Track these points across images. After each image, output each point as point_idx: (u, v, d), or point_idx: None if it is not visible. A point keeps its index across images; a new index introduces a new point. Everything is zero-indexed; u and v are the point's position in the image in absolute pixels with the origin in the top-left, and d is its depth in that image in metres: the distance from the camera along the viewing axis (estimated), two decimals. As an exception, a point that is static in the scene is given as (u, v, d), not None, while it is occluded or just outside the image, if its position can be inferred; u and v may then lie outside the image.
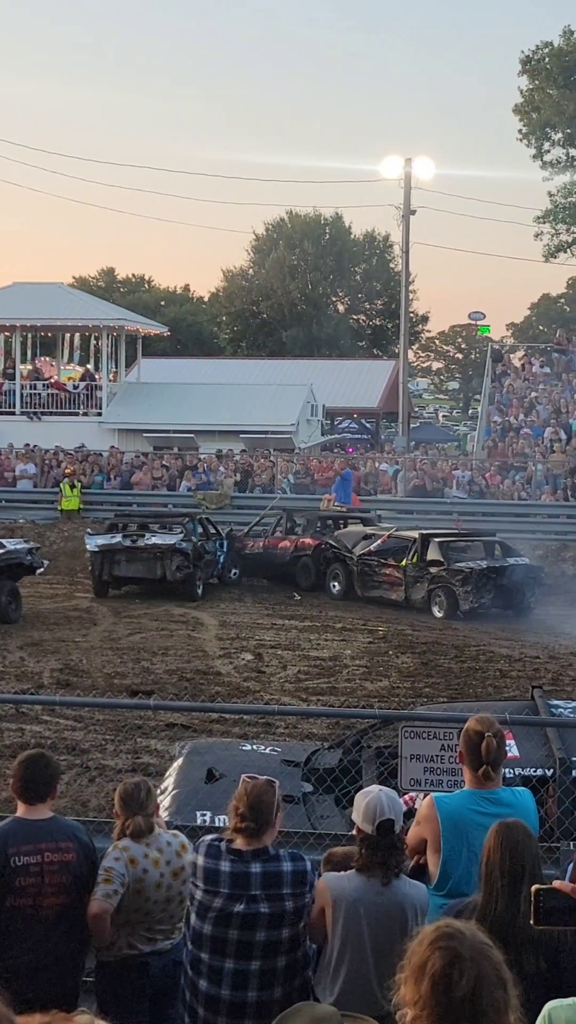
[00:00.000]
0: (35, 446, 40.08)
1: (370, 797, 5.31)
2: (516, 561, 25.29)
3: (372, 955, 5.17)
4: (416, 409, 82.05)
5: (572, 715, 9.28)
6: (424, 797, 6.86)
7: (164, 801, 8.69)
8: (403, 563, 25.41)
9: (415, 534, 26.15)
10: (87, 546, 26.15)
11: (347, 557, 26.59)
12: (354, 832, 5.44)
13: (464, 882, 5.21)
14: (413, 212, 42.96)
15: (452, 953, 2.92)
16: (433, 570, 24.90)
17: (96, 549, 25.79)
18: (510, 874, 4.50)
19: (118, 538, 26.00)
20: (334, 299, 77.28)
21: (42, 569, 24.62)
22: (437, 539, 25.68)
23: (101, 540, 26.02)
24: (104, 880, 5.78)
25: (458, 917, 4.50)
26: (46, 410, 45.09)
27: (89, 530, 29.00)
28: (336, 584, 26.86)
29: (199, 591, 26.09)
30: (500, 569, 24.61)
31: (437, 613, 24.42)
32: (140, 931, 5.91)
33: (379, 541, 26.40)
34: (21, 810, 5.80)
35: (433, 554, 25.16)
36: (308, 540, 27.90)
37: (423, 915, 5.26)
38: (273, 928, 5.22)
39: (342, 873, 5.31)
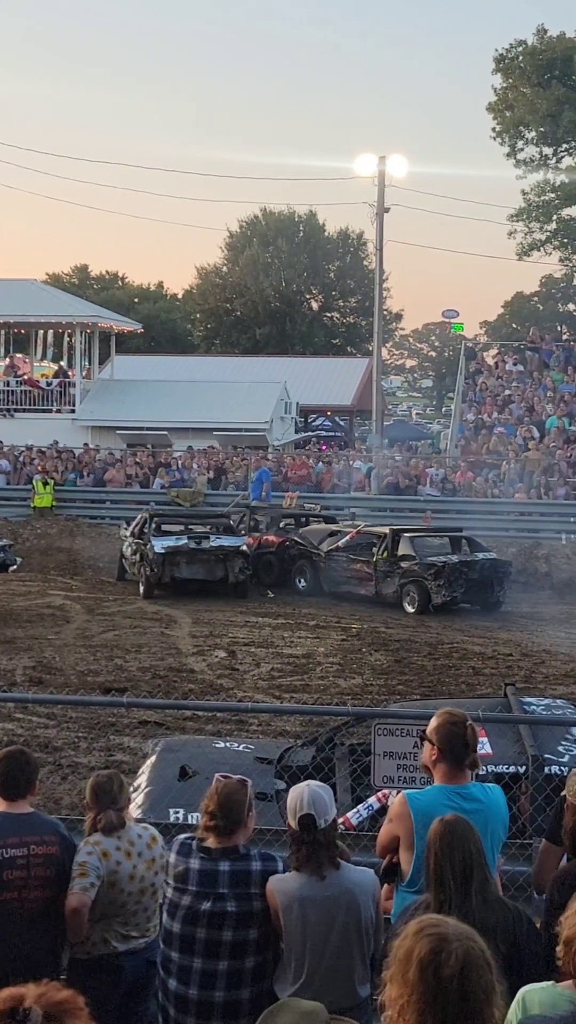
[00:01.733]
0: (10, 446, 39.92)
1: (294, 793, 5.32)
2: (485, 556, 25.42)
3: (322, 950, 5.15)
4: (390, 407, 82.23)
5: (544, 712, 9.32)
6: (396, 794, 6.88)
7: (137, 798, 8.68)
8: (373, 559, 25.48)
9: (385, 529, 26.26)
10: (155, 548, 25.57)
11: (314, 553, 26.66)
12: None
13: None
14: (387, 210, 42.85)
15: (438, 937, 2.94)
16: (404, 565, 24.98)
17: (163, 551, 25.52)
18: (460, 869, 4.51)
19: (184, 540, 25.91)
20: (308, 296, 77.29)
21: (15, 567, 24.59)
22: (407, 534, 25.79)
23: (168, 542, 25.79)
24: (80, 874, 5.77)
25: (412, 916, 4.52)
26: (19, 407, 44.98)
27: (125, 530, 28.56)
28: (302, 580, 26.96)
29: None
30: (471, 563, 24.74)
31: (408, 608, 24.49)
32: (115, 926, 5.89)
33: (347, 537, 26.48)
34: (2, 806, 5.80)
35: (404, 549, 25.25)
36: (271, 537, 27.98)
37: (373, 898, 5.26)
38: (241, 928, 5.21)
39: (286, 874, 5.30)
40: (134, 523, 28.24)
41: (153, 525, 26.85)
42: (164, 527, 27.17)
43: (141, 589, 26.04)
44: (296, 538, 27.64)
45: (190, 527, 27.41)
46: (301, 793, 5.28)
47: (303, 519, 30.27)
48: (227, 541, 26.30)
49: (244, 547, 26.23)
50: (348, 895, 5.19)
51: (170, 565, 25.57)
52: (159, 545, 25.73)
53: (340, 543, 26.42)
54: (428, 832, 4.72)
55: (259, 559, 27.51)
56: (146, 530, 26.87)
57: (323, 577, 26.47)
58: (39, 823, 5.81)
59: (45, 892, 5.68)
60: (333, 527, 28.09)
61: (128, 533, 28.06)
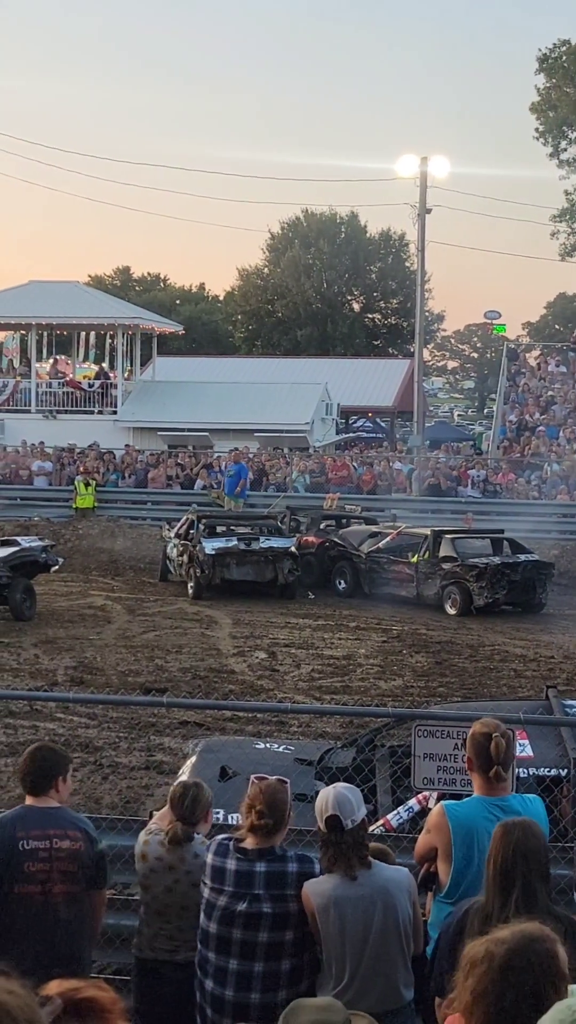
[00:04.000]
0: (52, 447, 40.10)
1: (322, 794, 5.33)
2: (527, 557, 25.29)
3: (361, 951, 5.14)
4: (431, 408, 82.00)
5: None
6: (437, 796, 6.85)
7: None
8: (414, 560, 25.40)
9: (426, 531, 26.16)
10: (206, 550, 25.62)
11: (354, 555, 26.61)
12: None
13: (474, 890, 5.18)
14: (429, 211, 42.77)
15: (494, 939, 2.91)
16: (446, 566, 24.89)
17: (213, 552, 25.57)
18: (502, 875, 4.48)
19: (234, 541, 25.99)
20: (349, 298, 77.15)
21: (57, 567, 24.64)
22: (449, 535, 25.69)
23: (218, 544, 25.86)
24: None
25: (463, 917, 4.50)
26: (62, 408, 45.16)
27: (168, 532, 28.59)
28: (342, 582, 26.91)
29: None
30: (513, 565, 24.62)
31: (450, 610, 24.40)
32: (161, 935, 5.91)
33: (388, 538, 26.41)
34: (28, 800, 5.82)
35: (446, 550, 25.16)
36: (312, 538, 27.94)
37: (410, 896, 5.24)
38: (277, 929, 5.20)
39: (319, 878, 5.29)
40: (179, 524, 28.24)
41: (202, 526, 26.83)
42: (213, 529, 27.14)
43: (190, 590, 26.01)
44: (336, 539, 27.60)
45: (237, 528, 27.43)
46: (328, 795, 5.28)
47: (343, 520, 30.21)
48: (276, 542, 26.33)
49: (293, 548, 26.25)
50: (383, 894, 5.18)
51: (220, 567, 25.60)
52: (210, 546, 25.74)
53: (381, 544, 26.36)
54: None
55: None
56: (193, 531, 26.83)
57: (364, 578, 26.41)
58: (64, 818, 5.77)
59: (69, 887, 5.65)
60: (374, 528, 28.02)
61: (172, 534, 28.04)
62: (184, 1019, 5.83)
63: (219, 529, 27.27)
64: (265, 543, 26.21)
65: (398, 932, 5.15)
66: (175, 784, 6.16)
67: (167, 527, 29.67)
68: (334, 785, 5.42)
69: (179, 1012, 5.80)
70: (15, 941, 5.54)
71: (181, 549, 26.94)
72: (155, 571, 28.87)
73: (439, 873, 5.47)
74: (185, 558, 26.57)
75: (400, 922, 5.16)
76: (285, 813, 5.33)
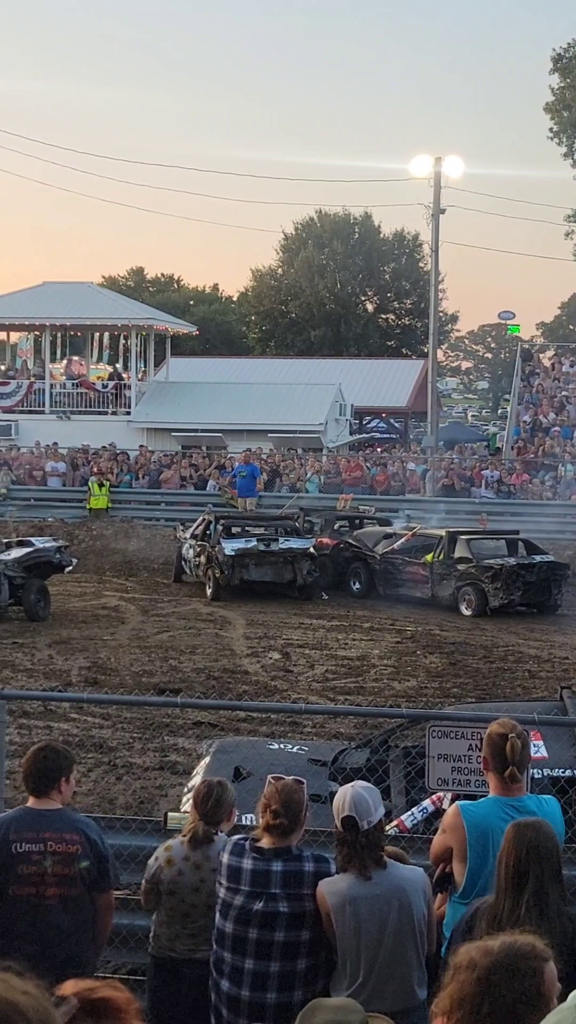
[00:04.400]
0: (66, 448, 40.16)
1: (339, 794, 5.33)
2: (542, 558, 25.25)
3: (376, 951, 5.15)
4: (445, 409, 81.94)
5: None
6: (451, 797, 6.84)
7: (187, 801, 8.69)
8: (429, 560, 25.39)
9: (441, 532, 26.15)
10: (225, 551, 25.62)
11: (369, 556, 26.62)
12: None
13: (490, 891, 5.19)
14: (443, 211, 42.73)
15: (482, 947, 2.91)
16: (461, 567, 24.88)
17: (233, 553, 25.59)
18: (514, 875, 4.47)
19: (253, 542, 26.01)
20: (363, 298, 77.13)
21: (71, 567, 24.68)
22: (464, 536, 25.66)
23: (238, 544, 25.89)
24: (145, 879, 5.92)
25: (473, 917, 4.49)
26: (75, 409, 45.23)
27: (183, 532, 28.57)
28: (357, 583, 26.91)
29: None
30: (528, 566, 24.59)
31: (465, 611, 24.37)
32: (183, 935, 5.92)
33: (403, 539, 26.41)
34: (30, 801, 5.80)
35: (461, 551, 25.13)
36: (326, 540, 27.94)
37: (425, 896, 5.23)
38: (292, 929, 5.20)
39: (333, 877, 5.29)
40: (195, 525, 28.22)
41: (220, 527, 26.82)
42: (231, 530, 27.14)
43: (208, 591, 25.98)
44: (351, 540, 27.61)
45: (255, 529, 27.44)
46: (345, 794, 5.28)
47: (357, 521, 30.20)
48: (295, 543, 26.37)
49: (311, 549, 26.27)
50: (399, 893, 5.18)
51: (239, 567, 25.62)
52: (229, 547, 25.75)
53: (395, 545, 26.37)
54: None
55: None
56: (210, 532, 26.84)
57: (378, 579, 26.41)
58: (62, 820, 5.73)
59: (65, 890, 5.63)
60: (388, 529, 28.02)
61: (188, 535, 28.01)
62: (201, 1018, 5.84)
63: (235, 530, 27.25)
64: (284, 544, 26.24)
65: (413, 932, 5.15)
66: (200, 783, 6.17)
67: (181, 527, 29.68)
68: (352, 784, 5.41)
69: (196, 1011, 5.81)
70: (12, 943, 5.52)
71: (198, 550, 26.88)
72: (169, 572, 28.90)
73: (454, 874, 5.47)
74: (203, 559, 26.52)
75: (415, 921, 5.16)
76: (301, 813, 5.33)
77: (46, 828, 5.65)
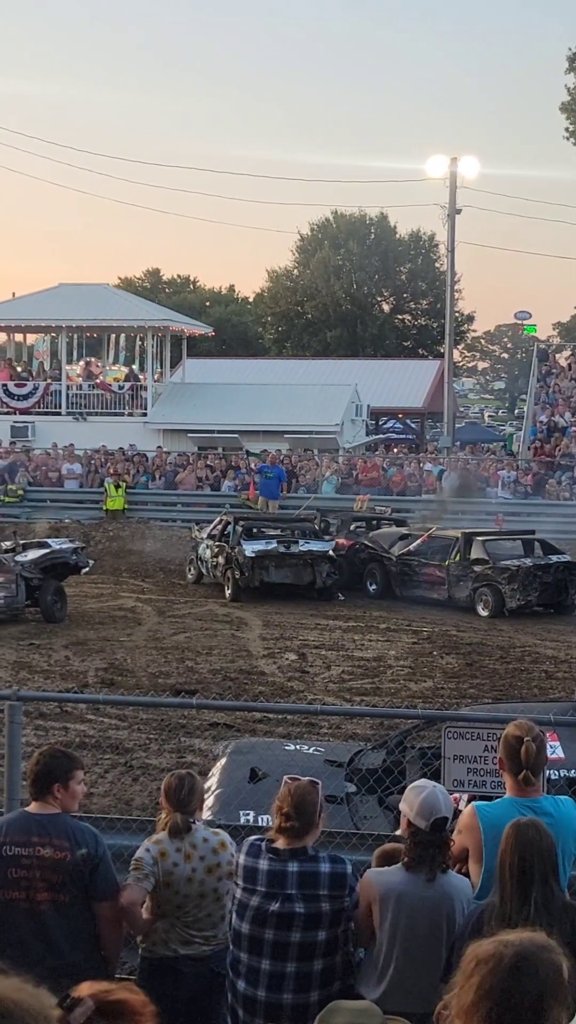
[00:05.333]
0: (83, 449, 40.21)
1: (425, 793, 5.30)
2: (558, 559, 25.20)
3: (419, 950, 5.18)
4: (461, 409, 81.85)
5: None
6: (467, 798, 6.83)
7: (207, 800, 8.69)
8: (446, 562, 25.37)
9: (457, 533, 26.12)
10: (246, 552, 25.68)
11: (385, 557, 26.63)
12: (403, 826, 5.43)
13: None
14: (458, 211, 42.78)
15: (500, 941, 2.91)
16: (477, 568, 24.85)
17: (253, 555, 25.64)
18: (520, 875, 4.47)
19: (273, 544, 26.10)
20: (379, 299, 77.09)
21: (87, 569, 24.74)
22: (480, 537, 25.64)
23: (258, 546, 25.96)
24: (134, 868, 5.81)
25: (479, 919, 4.50)
26: (92, 410, 45.28)
27: (199, 536, 28.53)
28: (373, 584, 26.92)
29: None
30: (545, 566, 24.55)
31: (482, 612, 24.35)
32: (177, 928, 5.90)
33: (419, 541, 26.38)
34: (31, 806, 5.79)
35: (477, 552, 25.11)
36: (342, 541, 27.95)
37: (469, 904, 5.27)
38: (309, 929, 5.20)
39: (388, 868, 5.31)
40: (211, 526, 28.25)
41: (239, 529, 26.78)
42: (251, 532, 27.10)
43: (228, 592, 26.03)
44: (367, 542, 27.62)
45: (274, 531, 27.45)
46: (434, 794, 5.28)
47: (374, 522, 30.20)
48: (315, 545, 26.43)
49: (331, 552, 26.32)
50: (449, 901, 5.23)
51: (259, 569, 25.67)
52: (249, 549, 25.79)
53: (412, 547, 26.35)
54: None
55: None
56: (228, 533, 26.83)
57: (394, 581, 26.41)
58: (56, 826, 5.67)
59: (55, 896, 5.59)
60: (403, 531, 28.02)
61: (205, 535, 28.00)
62: (198, 1015, 5.84)
63: (253, 531, 27.24)
64: (304, 546, 26.29)
65: (451, 936, 5.18)
66: (169, 776, 6.15)
67: (196, 527, 29.70)
68: (433, 784, 5.43)
69: (196, 1011, 5.80)
70: (7, 946, 5.50)
71: (216, 550, 26.89)
72: (184, 571, 28.85)
73: (470, 874, 5.47)
74: (221, 559, 26.55)
75: (456, 930, 5.20)
76: (314, 815, 5.32)
77: (37, 833, 5.62)
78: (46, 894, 5.58)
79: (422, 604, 25.37)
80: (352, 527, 29.53)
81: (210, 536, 27.70)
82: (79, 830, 5.73)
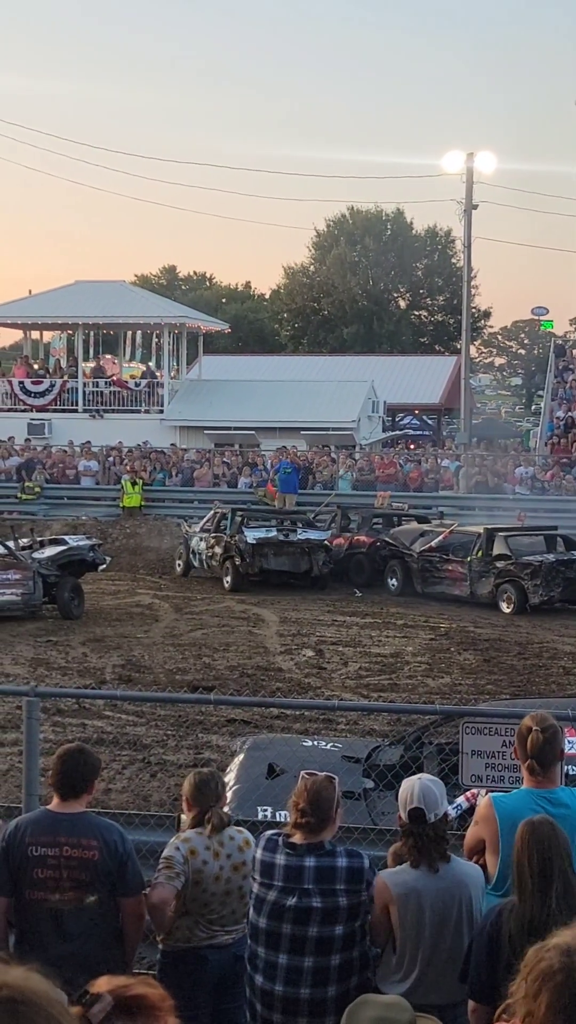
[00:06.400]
0: (99, 446, 40.27)
1: (406, 785, 5.35)
2: None
3: (437, 943, 5.19)
4: (478, 405, 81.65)
5: None
6: (485, 794, 6.82)
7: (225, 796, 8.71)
8: (468, 558, 25.29)
9: (479, 529, 26.05)
10: (247, 539, 26.39)
11: (406, 554, 26.59)
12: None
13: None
14: (475, 207, 42.59)
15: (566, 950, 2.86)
16: (500, 564, 24.79)
17: (254, 541, 26.32)
18: (540, 873, 4.47)
19: (273, 532, 26.86)
20: (395, 295, 77.08)
21: (104, 565, 24.78)
22: (503, 533, 25.56)
23: (259, 534, 26.74)
24: (165, 867, 5.79)
25: (498, 919, 4.49)
26: (108, 407, 45.35)
27: (191, 530, 29.28)
28: (394, 581, 26.92)
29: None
30: (569, 562, 24.47)
31: (505, 608, 24.28)
32: (201, 924, 5.91)
33: (440, 537, 26.30)
34: (53, 803, 5.75)
35: (499, 548, 25.04)
36: (363, 537, 28.06)
37: (483, 892, 5.27)
38: (326, 924, 5.21)
39: (397, 868, 5.31)
40: (204, 520, 28.95)
41: (238, 519, 27.44)
42: (250, 521, 27.97)
43: (227, 582, 26.57)
44: (388, 538, 27.62)
45: (272, 521, 28.21)
46: (412, 786, 5.30)
47: (394, 519, 30.17)
48: (312, 535, 27.19)
49: (327, 541, 26.95)
50: (462, 888, 5.24)
51: (259, 556, 26.27)
52: (251, 536, 26.48)
53: (433, 543, 26.27)
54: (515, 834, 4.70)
55: (350, 559, 27.74)
56: (223, 524, 27.49)
57: (416, 577, 26.36)
58: (82, 825, 5.66)
59: (81, 894, 5.58)
60: (424, 527, 27.99)
61: (198, 529, 28.64)
62: (223, 998, 5.84)
63: (252, 521, 28.07)
64: (302, 535, 27.00)
65: (471, 926, 5.19)
66: (193, 775, 6.14)
67: (186, 523, 30.70)
68: (419, 776, 5.45)
69: (218, 992, 5.82)
70: (30, 947, 5.52)
71: (212, 541, 27.42)
72: (199, 569, 28.90)
73: (487, 866, 5.48)
74: (218, 550, 27.10)
75: (474, 917, 5.21)
76: (330, 810, 5.32)
77: (64, 832, 5.60)
78: (72, 893, 5.57)
79: (443, 601, 25.33)
80: (372, 523, 29.52)
81: (203, 529, 28.33)
82: (106, 828, 5.73)
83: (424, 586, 26.18)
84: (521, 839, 4.59)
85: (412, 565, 26.42)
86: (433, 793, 5.27)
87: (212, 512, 29.09)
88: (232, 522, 27.26)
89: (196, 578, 28.14)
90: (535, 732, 5.45)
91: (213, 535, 27.48)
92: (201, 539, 27.89)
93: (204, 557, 27.64)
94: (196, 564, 28.19)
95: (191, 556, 28.39)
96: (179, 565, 29.11)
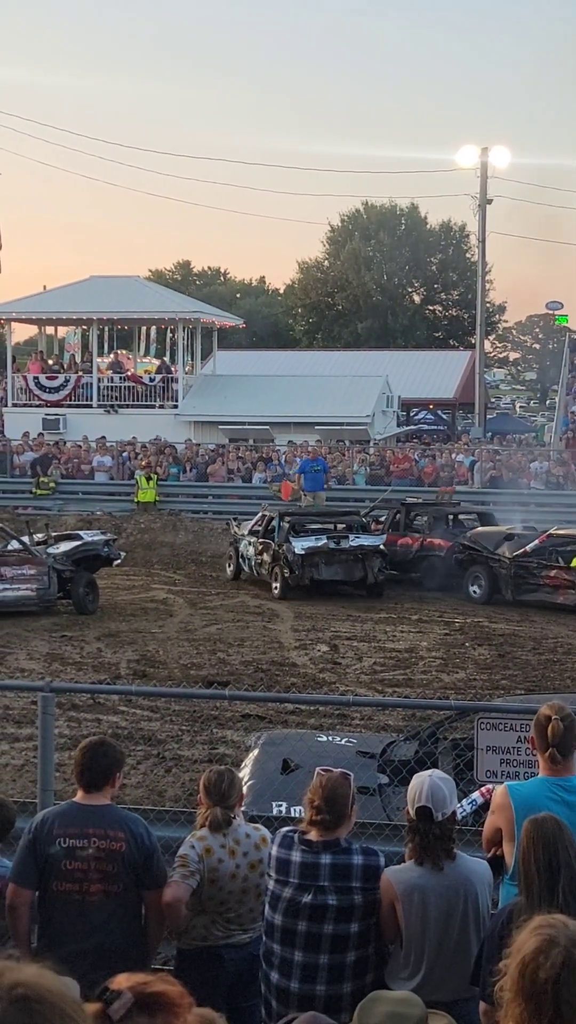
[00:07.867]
0: (113, 442, 40.31)
1: (415, 782, 5.33)
2: None
3: (444, 940, 5.18)
4: (493, 400, 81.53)
5: None
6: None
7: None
8: (573, 564, 23.85)
9: None
10: (295, 550, 24.57)
11: (492, 559, 24.74)
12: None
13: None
14: (489, 201, 42.61)
15: (547, 938, 2.89)
16: None
17: (303, 552, 24.58)
18: (546, 870, 4.47)
19: (323, 540, 24.96)
20: (410, 290, 76.96)
21: (119, 561, 24.79)
22: None
23: (308, 543, 24.79)
24: (179, 865, 5.80)
25: (508, 921, 4.49)
26: (123, 403, 45.36)
27: (239, 532, 27.58)
28: (476, 588, 25.07)
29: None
30: None
31: None
32: (218, 922, 5.92)
33: (536, 541, 24.46)
34: (79, 796, 5.79)
35: None
36: (439, 541, 26.42)
37: (490, 888, 5.26)
38: (341, 921, 5.21)
39: (402, 865, 5.31)
40: (253, 521, 27.47)
41: (286, 525, 25.65)
42: (299, 527, 26.05)
43: (275, 589, 25.10)
44: (467, 542, 25.63)
45: (322, 525, 26.40)
46: (422, 783, 5.28)
47: (452, 518, 28.44)
48: (366, 540, 25.26)
49: (382, 546, 25.24)
50: (468, 884, 5.22)
51: (309, 567, 24.73)
52: (299, 546, 24.72)
53: (528, 547, 24.38)
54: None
55: (420, 561, 26.44)
56: (272, 529, 25.89)
57: (506, 584, 24.44)
58: (109, 817, 5.71)
59: (108, 886, 5.62)
60: (505, 529, 26.04)
61: (247, 532, 27.12)
62: (240, 996, 5.84)
63: (301, 528, 26.10)
64: (355, 541, 25.10)
65: (478, 924, 5.18)
66: (208, 771, 6.16)
67: (235, 523, 28.95)
68: (429, 773, 5.43)
69: (235, 990, 5.82)
70: (56, 939, 5.55)
71: (260, 547, 25.97)
72: (216, 564, 28.79)
73: (504, 855, 5.47)
74: (266, 557, 25.63)
75: (481, 914, 5.20)
76: (346, 807, 5.32)
77: (93, 824, 5.64)
78: (99, 885, 5.60)
79: (542, 609, 23.90)
80: (446, 525, 27.67)
81: (252, 532, 26.84)
82: (132, 820, 5.78)
83: (517, 593, 24.28)
84: (527, 837, 4.59)
85: (500, 571, 24.56)
86: (442, 791, 5.24)
87: (260, 514, 27.51)
88: (280, 529, 25.54)
89: (244, 581, 26.91)
90: (555, 721, 5.46)
91: (261, 540, 26.00)
92: (249, 543, 26.48)
93: (253, 563, 26.29)
94: (246, 568, 26.75)
95: (240, 560, 27.06)
96: (229, 568, 27.66)
